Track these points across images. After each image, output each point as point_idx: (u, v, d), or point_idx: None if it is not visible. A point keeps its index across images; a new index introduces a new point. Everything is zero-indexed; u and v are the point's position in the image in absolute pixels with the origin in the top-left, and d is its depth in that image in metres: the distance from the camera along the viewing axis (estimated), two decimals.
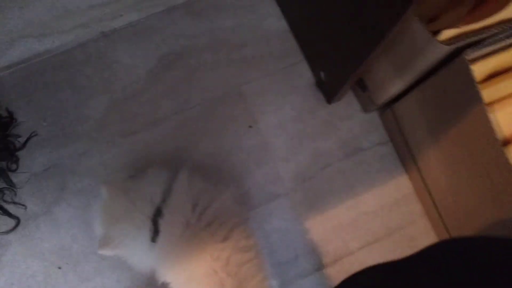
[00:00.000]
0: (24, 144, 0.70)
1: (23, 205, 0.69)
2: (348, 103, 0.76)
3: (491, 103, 0.49)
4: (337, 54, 0.64)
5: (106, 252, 0.54)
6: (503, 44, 0.49)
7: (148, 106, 0.74)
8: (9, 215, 0.66)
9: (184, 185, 0.63)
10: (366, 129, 0.76)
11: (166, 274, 0.60)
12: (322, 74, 0.73)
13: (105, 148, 0.72)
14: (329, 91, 0.74)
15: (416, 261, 0.37)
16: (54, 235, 0.69)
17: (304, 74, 0.77)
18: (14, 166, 0.68)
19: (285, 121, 0.75)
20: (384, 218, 0.73)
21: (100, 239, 0.54)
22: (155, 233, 0.57)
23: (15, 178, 0.69)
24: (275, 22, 0.78)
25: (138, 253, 0.57)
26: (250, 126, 0.74)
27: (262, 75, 0.76)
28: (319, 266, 0.71)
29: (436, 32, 0.48)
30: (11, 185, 0.67)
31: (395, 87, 0.64)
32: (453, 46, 0.48)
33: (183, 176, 0.63)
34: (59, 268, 0.69)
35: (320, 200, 0.73)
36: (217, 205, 0.62)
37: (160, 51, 0.76)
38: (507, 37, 0.49)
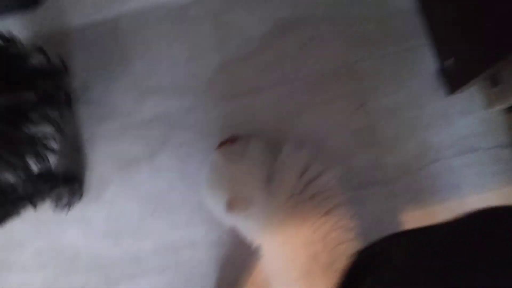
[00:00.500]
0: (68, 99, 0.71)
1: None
2: (470, 97, 0.70)
3: None
4: (476, 41, 0.58)
5: (235, 213, 0.56)
6: None
7: (257, 71, 0.73)
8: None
9: (291, 156, 0.62)
10: (486, 129, 0.69)
11: (263, 237, 0.60)
12: (448, 62, 0.67)
13: (210, 107, 0.73)
14: (454, 81, 0.68)
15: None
16: (153, 182, 0.72)
17: (425, 59, 0.71)
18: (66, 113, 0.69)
19: (398, 107, 0.70)
20: None
21: (229, 201, 0.55)
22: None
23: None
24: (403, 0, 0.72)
25: (254, 217, 0.58)
26: (359, 107, 0.71)
27: (380, 54, 0.72)
28: None
29: None
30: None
31: None
32: None
33: (290, 148, 0.63)
34: (153, 212, 0.71)
35: (421, 195, 0.68)
36: (323, 180, 0.61)
37: (277, 15, 0.74)
38: None
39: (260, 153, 0.61)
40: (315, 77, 0.72)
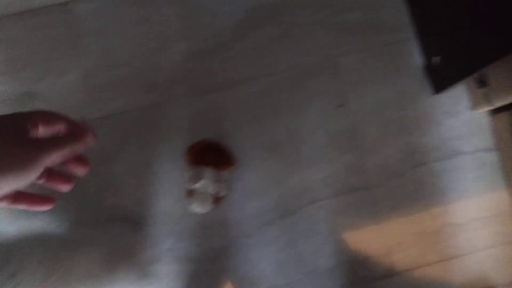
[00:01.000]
0: None
1: None
2: (456, 97, 0.65)
3: None
4: (465, 40, 0.53)
5: None
6: None
7: (230, 64, 0.65)
8: None
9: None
10: (471, 131, 0.65)
11: None
12: (435, 59, 0.62)
13: (176, 104, 0.64)
14: (440, 80, 0.63)
15: None
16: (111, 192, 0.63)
17: (412, 54, 0.66)
18: None
19: (381, 106, 0.65)
20: (471, 233, 0.64)
21: None
22: None
23: None
24: None
25: None
26: (340, 106, 0.65)
27: (363, 47, 0.65)
28: (389, 273, 0.63)
29: None
30: None
31: None
32: None
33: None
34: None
35: (404, 201, 0.64)
36: None
37: (252, 2, 0.65)
38: None
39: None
40: (294, 71, 0.65)
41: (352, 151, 0.65)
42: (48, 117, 0.37)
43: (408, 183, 0.64)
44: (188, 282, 0.63)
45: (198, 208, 0.56)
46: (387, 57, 0.65)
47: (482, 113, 0.66)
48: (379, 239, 0.64)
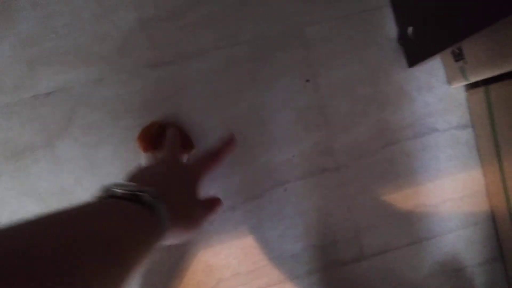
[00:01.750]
0: None
1: None
2: (431, 70, 0.61)
3: None
4: (442, 9, 0.47)
5: None
6: None
7: (185, 34, 0.58)
8: None
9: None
10: (446, 106, 0.61)
11: None
12: (410, 30, 0.57)
13: (125, 79, 0.58)
14: (414, 53, 0.58)
15: None
16: (55, 174, 0.57)
17: (386, 24, 0.60)
18: None
19: (352, 81, 0.60)
20: (443, 214, 0.62)
21: None
22: None
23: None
24: None
25: None
26: (307, 80, 0.60)
27: (333, 16, 0.60)
28: (359, 257, 0.61)
29: None
30: None
31: (505, 67, 0.49)
32: None
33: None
34: None
35: (374, 182, 0.61)
36: None
37: None
38: None
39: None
40: (257, 43, 0.59)
41: (320, 130, 0.60)
42: (212, 166, 0.45)
43: (379, 163, 0.61)
44: (144, 271, 0.59)
45: None
46: (358, 27, 0.60)
47: (458, 89, 0.62)
48: (348, 222, 0.61)
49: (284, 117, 0.59)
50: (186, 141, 0.55)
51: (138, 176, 0.35)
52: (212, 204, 0.45)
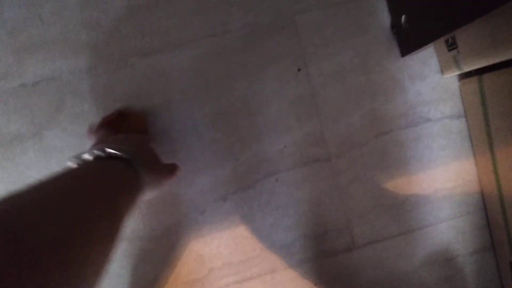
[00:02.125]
0: None
1: None
2: (424, 59, 0.60)
3: None
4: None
5: None
6: None
7: (174, 21, 0.57)
8: None
9: None
10: (439, 96, 0.61)
11: None
12: (403, 18, 0.56)
13: (113, 68, 0.57)
14: (407, 42, 0.58)
15: None
16: (43, 165, 0.57)
17: (379, 12, 0.60)
18: None
19: (344, 70, 0.59)
20: (435, 204, 0.62)
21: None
22: None
23: None
24: None
25: None
26: (299, 70, 0.59)
27: (325, 3, 0.59)
28: (350, 247, 0.61)
29: None
30: None
31: (497, 57, 0.48)
32: None
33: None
34: None
35: (366, 172, 0.61)
36: None
37: None
38: None
39: None
40: (248, 31, 0.58)
41: (312, 120, 0.59)
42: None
43: (371, 152, 0.60)
44: (135, 261, 0.59)
45: None
46: (351, 15, 0.59)
47: (451, 78, 0.61)
48: (339, 212, 0.60)
49: (275, 107, 0.59)
50: (143, 128, 0.54)
51: (115, 141, 0.40)
52: (173, 168, 0.49)
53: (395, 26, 0.59)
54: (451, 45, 0.56)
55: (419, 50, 0.55)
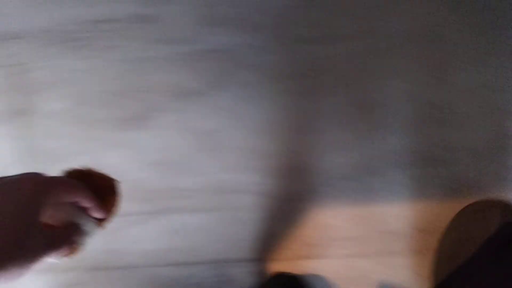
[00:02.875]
0: None
1: None
2: None
3: None
4: None
5: None
6: None
7: (337, 16, 0.66)
8: None
9: None
10: None
11: None
12: None
13: (280, 49, 0.67)
14: None
15: None
16: (208, 119, 0.68)
17: None
18: None
19: (480, 84, 0.66)
20: None
21: None
22: None
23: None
24: None
25: None
26: (439, 79, 0.66)
27: (471, 22, 0.66)
28: None
29: None
30: None
31: None
32: None
33: None
34: (203, 150, 0.68)
35: (484, 182, 0.66)
36: None
37: None
38: None
39: None
40: (396, 37, 0.66)
41: (441, 127, 0.66)
42: (68, 192, 0.32)
43: (495, 167, 0.66)
44: (264, 216, 0.67)
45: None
46: (496, 37, 0.66)
47: None
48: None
49: (411, 109, 0.66)
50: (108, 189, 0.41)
51: None
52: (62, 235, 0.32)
53: None
54: None
55: None
